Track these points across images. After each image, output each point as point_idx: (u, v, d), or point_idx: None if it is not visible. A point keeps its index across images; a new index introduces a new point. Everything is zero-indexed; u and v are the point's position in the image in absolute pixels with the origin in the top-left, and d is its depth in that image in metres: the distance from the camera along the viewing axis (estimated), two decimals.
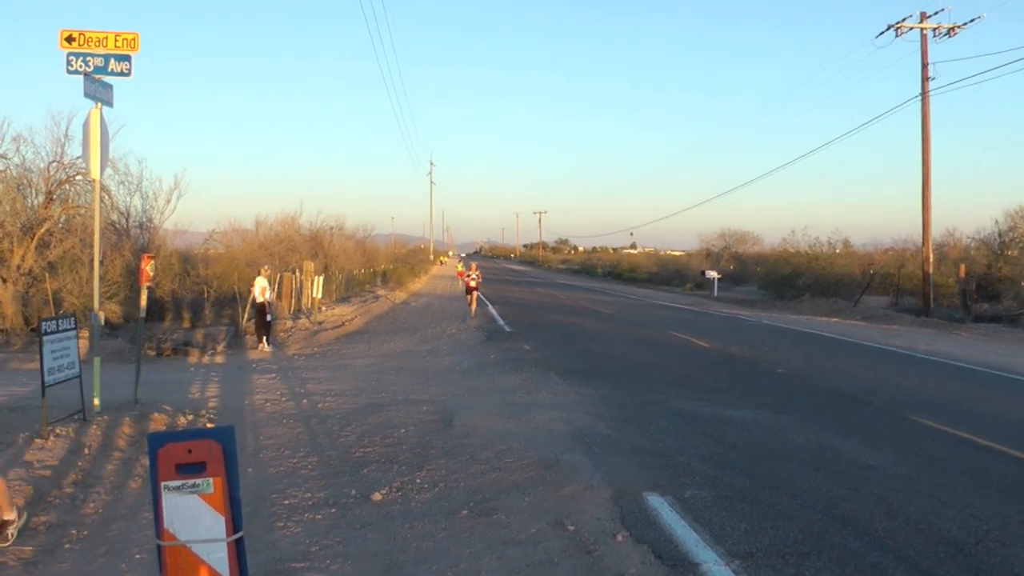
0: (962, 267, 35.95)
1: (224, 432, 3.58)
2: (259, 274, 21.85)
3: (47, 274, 20.42)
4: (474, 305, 31.75)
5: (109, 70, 11.02)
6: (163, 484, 3.46)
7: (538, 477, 8.58)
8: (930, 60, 33.92)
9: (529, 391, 14.03)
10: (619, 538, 6.71)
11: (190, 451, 3.47)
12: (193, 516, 3.46)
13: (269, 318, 21.37)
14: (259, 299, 21.11)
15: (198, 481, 3.47)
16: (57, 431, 9.29)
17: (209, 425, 11.08)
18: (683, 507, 7.51)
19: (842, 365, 18.49)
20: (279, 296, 27.76)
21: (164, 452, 3.47)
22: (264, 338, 21.03)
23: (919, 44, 34.14)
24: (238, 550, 3.55)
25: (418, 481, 8.43)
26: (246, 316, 23.21)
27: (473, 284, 31.66)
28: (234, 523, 3.54)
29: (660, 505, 7.57)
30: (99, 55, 10.95)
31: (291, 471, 8.89)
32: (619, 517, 7.26)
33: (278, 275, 28.19)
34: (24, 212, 21.94)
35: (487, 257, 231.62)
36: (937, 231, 38.97)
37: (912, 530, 6.96)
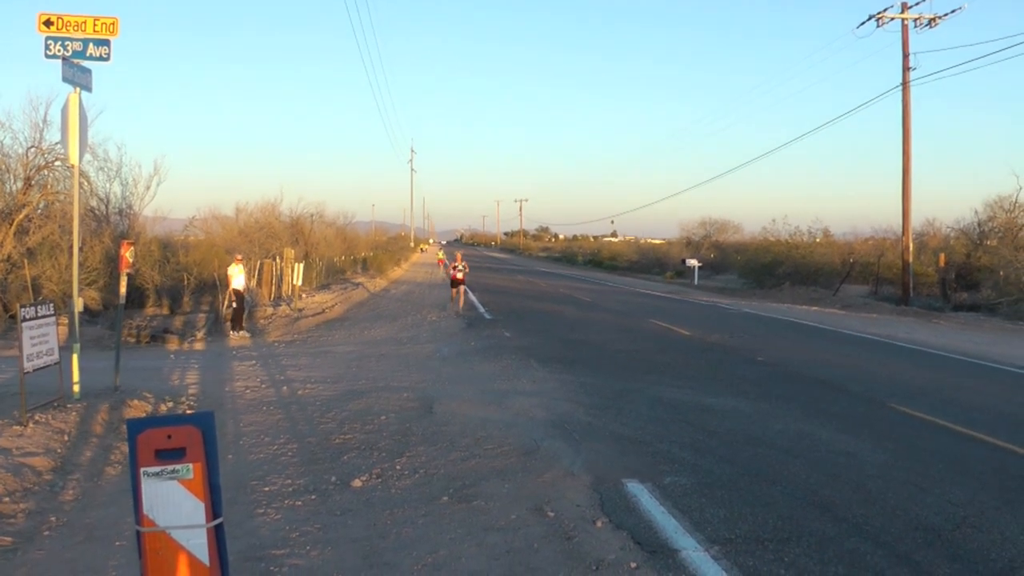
0: (942, 256, 36.16)
1: (204, 418, 3.56)
2: (234, 262, 21.96)
3: (26, 260, 20.26)
4: (462, 299, 28.55)
5: (88, 55, 10.93)
6: (142, 470, 3.44)
7: (518, 464, 8.60)
8: (911, 50, 34.06)
9: (509, 378, 14.05)
10: (599, 524, 6.73)
11: (170, 437, 3.45)
12: (173, 502, 3.45)
13: (233, 306, 21.31)
14: (230, 287, 21.27)
15: (178, 467, 3.45)
16: (36, 418, 9.24)
17: (189, 411, 11.05)
18: (663, 494, 7.54)
19: (821, 353, 18.59)
20: (259, 283, 27.67)
21: (143, 438, 3.45)
22: (235, 325, 21.12)
23: (900, 34, 34.26)
24: (218, 536, 3.54)
25: (398, 468, 8.43)
26: (225, 303, 23.14)
27: (460, 276, 28.43)
28: (214, 509, 3.52)
29: (640, 492, 7.59)
30: (78, 39, 10.86)
31: (271, 458, 8.88)
32: (599, 503, 7.28)
33: (259, 262, 28.07)
34: (2, 198, 21.77)
35: (468, 245, 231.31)
36: (917, 221, 39.29)
37: (890, 516, 7.02)
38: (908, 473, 8.42)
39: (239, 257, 22.53)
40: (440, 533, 6.54)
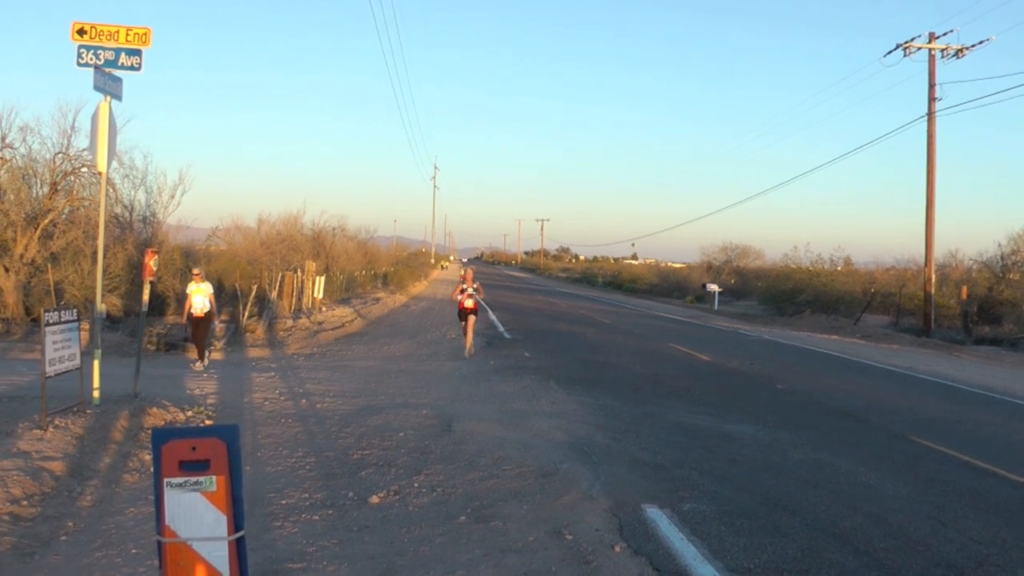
0: (964, 289, 35.90)
1: (229, 431, 3.56)
2: (192, 280, 17.76)
3: (49, 265, 20.39)
4: (469, 336, 20.85)
5: (119, 64, 11.03)
6: (166, 480, 3.44)
7: (536, 485, 8.55)
8: (937, 80, 33.93)
9: (528, 399, 13.99)
10: (617, 549, 6.68)
11: (194, 448, 3.46)
12: (195, 514, 3.45)
13: (187, 332, 18.58)
14: (188, 310, 17.57)
15: (201, 479, 3.45)
16: (56, 422, 9.26)
17: (208, 422, 11.07)
18: (682, 520, 7.48)
19: (842, 383, 18.45)
20: (280, 295, 27.72)
21: (168, 448, 3.45)
22: (199, 354, 17.67)
23: (927, 64, 34.16)
24: (239, 549, 3.53)
25: (416, 485, 8.40)
26: (246, 314, 23.18)
27: (470, 304, 21.15)
28: (236, 522, 3.52)
29: (659, 517, 7.53)
30: (110, 48, 10.96)
31: (289, 471, 8.87)
32: (617, 528, 7.23)
33: (279, 274, 28.12)
34: (28, 202, 21.96)
35: (488, 263, 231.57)
36: (939, 252, 38.93)
37: (911, 551, 6.93)
38: (929, 507, 8.33)
39: (197, 272, 17.84)
40: (458, 553, 6.50)
